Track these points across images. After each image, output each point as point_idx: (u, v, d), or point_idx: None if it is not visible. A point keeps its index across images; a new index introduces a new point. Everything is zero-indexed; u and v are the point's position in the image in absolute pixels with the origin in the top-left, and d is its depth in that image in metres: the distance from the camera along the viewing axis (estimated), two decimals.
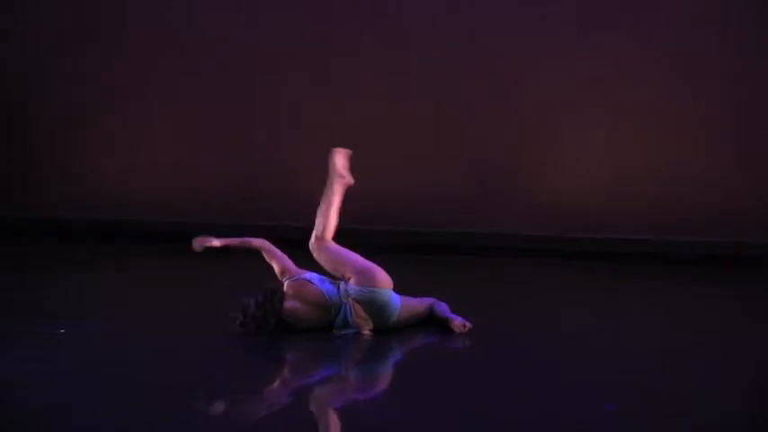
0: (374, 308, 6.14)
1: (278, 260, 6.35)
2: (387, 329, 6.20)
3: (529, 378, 5.41)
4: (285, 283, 6.21)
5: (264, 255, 6.41)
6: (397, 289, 6.30)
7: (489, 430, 4.56)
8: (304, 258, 6.37)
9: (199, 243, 6.53)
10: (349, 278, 6.19)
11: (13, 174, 10.43)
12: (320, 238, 6.35)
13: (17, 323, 6.40)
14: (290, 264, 6.34)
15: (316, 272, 6.32)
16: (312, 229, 6.40)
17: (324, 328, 6.18)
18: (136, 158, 10.34)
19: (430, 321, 6.40)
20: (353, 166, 6.66)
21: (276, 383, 5.50)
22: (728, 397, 5.09)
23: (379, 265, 6.30)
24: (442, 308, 6.40)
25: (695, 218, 9.60)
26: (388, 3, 10.09)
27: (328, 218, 6.40)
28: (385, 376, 5.75)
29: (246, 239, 6.54)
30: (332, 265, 6.30)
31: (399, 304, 6.22)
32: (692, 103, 9.65)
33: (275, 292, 6.14)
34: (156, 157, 10.34)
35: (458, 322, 6.26)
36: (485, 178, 9.90)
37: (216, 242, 6.49)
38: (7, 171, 10.42)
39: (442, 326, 6.31)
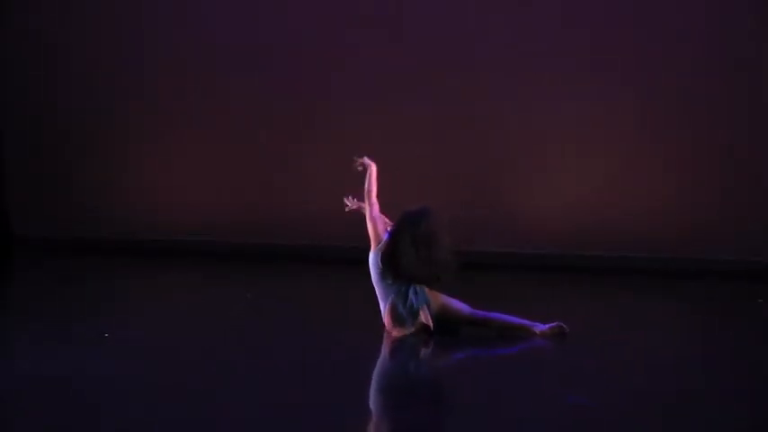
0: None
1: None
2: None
3: (521, 382, 5.48)
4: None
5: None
6: None
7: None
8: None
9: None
10: None
11: (56, 196, 10.66)
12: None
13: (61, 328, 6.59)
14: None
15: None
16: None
17: None
18: (165, 183, 10.57)
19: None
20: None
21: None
22: (711, 399, 5.16)
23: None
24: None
25: (663, 236, 9.78)
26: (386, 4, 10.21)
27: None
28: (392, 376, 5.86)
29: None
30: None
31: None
32: (660, 134, 9.80)
33: None
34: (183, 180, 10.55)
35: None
36: (470, 200, 10.01)
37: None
38: (51, 194, 10.68)
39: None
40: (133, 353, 5.93)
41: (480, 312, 6.52)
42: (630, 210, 9.83)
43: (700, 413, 4.87)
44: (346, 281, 8.80)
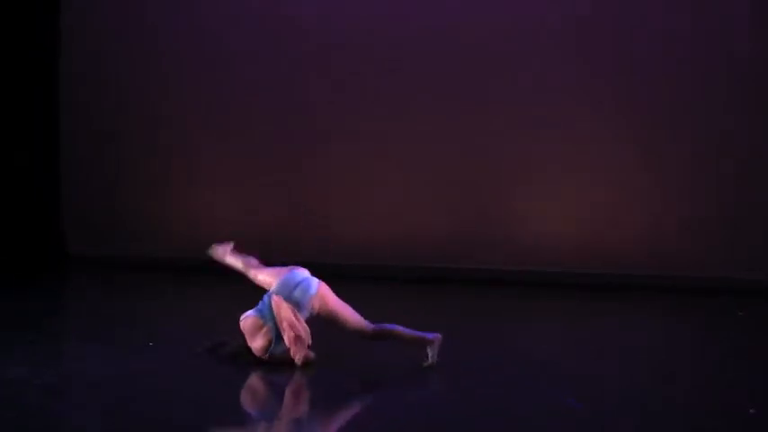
0: (290, 286, 6.05)
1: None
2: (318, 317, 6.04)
3: (525, 389, 5.67)
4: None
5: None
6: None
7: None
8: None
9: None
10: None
11: (107, 218, 10.98)
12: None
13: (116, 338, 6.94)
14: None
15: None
16: None
17: None
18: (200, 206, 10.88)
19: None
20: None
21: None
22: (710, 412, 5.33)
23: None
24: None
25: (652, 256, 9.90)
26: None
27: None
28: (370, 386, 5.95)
29: None
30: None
31: (316, 287, 6.07)
32: (661, 152, 9.90)
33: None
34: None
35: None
36: (473, 217, 10.21)
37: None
38: (102, 216, 11.01)
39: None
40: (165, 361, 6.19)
41: (377, 326, 6.07)
42: (631, 228, 9.90)
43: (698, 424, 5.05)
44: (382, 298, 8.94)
